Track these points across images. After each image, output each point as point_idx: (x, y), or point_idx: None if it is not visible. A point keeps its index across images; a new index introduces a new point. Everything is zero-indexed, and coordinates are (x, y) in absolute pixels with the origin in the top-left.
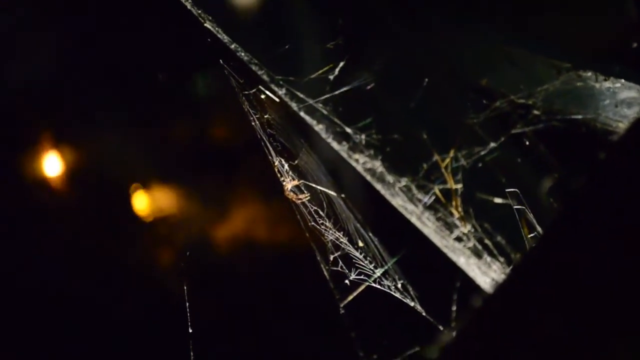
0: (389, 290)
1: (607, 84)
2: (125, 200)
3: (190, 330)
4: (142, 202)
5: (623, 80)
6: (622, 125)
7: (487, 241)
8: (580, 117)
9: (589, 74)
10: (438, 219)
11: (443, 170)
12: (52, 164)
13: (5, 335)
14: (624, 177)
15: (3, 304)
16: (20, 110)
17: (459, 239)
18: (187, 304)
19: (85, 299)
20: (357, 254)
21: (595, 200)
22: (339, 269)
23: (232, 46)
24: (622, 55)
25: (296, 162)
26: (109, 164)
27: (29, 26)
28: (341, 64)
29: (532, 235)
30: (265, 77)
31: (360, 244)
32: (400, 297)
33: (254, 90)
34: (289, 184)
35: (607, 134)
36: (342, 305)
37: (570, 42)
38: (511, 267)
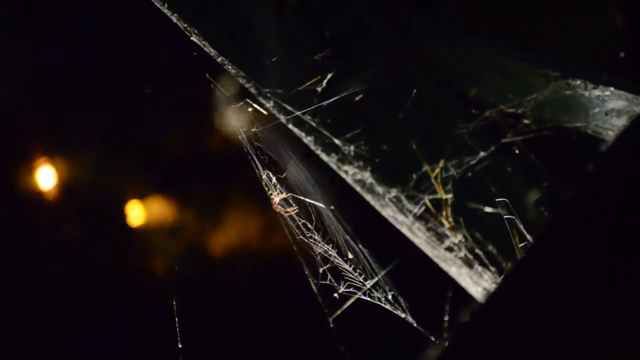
0: (379, 302)
1: (597, 93)
2: (118, 212)
3: (180, 345)
4: (133, 214)
5: (612, 89)
6: (612, 134)
7: (478, 251)
8: (569, 125)
9: (578, 82)
10: (428, 229)
11: (433, 180)
12: (45, 177)
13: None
14: (613, 186)
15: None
16: (12, 124)
17: (449, 249)
18: (177, 319)
19: (75, 310)
20: (347, 267)
21: (585, 209)
22: (328, 282)
23: (219, 59)
24: (610, 63)
25: (284, 174)
26: (101, 176)
27: (15, 40)
28: (329, 75)
29: (522, 244)
30: (252, 90)
31: (350, 256)
32: (390, 309)
33: (241, 103)
34: (277, 197)
35: (596, 142)
36: (331, 319)
37: (559, 51)
38: (502, 277)
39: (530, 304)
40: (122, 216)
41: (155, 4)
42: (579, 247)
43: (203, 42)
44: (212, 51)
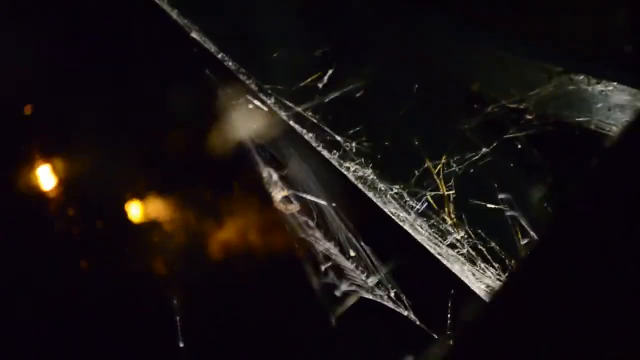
0: (381, 300)
1: (600, 88)
2: (118, 211)
3: (181, 345)
4: (133, 213)
5: (615, 84)
6: (616, 129)
7: (480, 247)
8: (573, 121)
9: (581, 77)
10: (431, 226)
11: (435, 176)
12: (47, 177)
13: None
14: (618, 182)
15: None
16: (16, 127)
17: (452, 246)
18: (177, 318)
19: (75, 309)
20: (349, 264)
21: (589, 205)
22: (330, 280)
23: (219, 55)
24: (614, 58)
25: (285, 172)
26: (102, 176)
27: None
28: (330, 71)
29: (525, 240)
30: (253, 87)
31: (352, 253)
32: (393, 307)
33: (241, 100)
34: (278, 194)
35: (600, 137)
36: (333, 317)
37: (562, 46)
38: (506, 274)
39: (535, 301)
40: (123, 216)
41: (156, 0)
42: (584, 243)
43: (203, 38)
44: (212, 48)
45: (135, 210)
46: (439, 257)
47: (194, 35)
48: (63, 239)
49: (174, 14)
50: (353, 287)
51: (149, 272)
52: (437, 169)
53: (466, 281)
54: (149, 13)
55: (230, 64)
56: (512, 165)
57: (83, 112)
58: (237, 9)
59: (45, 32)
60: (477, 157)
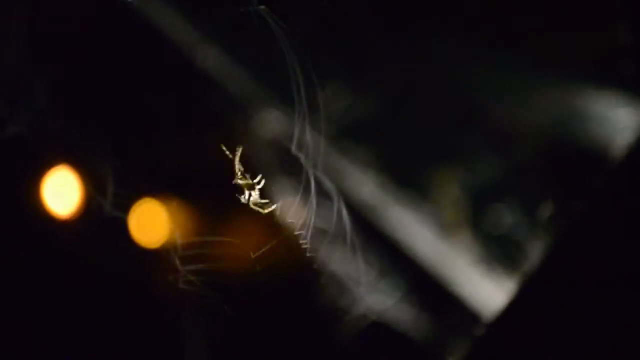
0: (392, 320)
1: (603, 106)
2: (121, 226)
3: None
4: (138, 228)
5: (619, 103)
6: (620, 148)
7: (488, 262)
8: (575, 139)
9: (586, 95)
10: (439, 240)
11: (442, 193)
12: (48, 190)
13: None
14: (622, 201)
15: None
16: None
17: (462, 265)
18: (188, 335)
19: (80, 329)
20: (360, 285)
21: (593, 223)
22: (340, 300)
23: (228, 77)
24: (619, 76)
25: (292, 190)
26: (106, 186)
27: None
28: (335, 88)
29: (532, 259)
30: (257, 103)
31: (363, 272)
32: (403, 327)
33: (247, 121)
34: (285, 211)
35: (605, 156)
36: (340, 335)
37: (566, 63)
38: (512, 292)
39: (540, 320)
40: (126, 231)
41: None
42: (589, 261)
43: (212, 59)
44: (221, 69)
45: (138, 226)
46: (446, 271)
47: (201, 55)
48: (67, 253)
49: (183, 34)
50: (364, 308)
51: (153, 289)
52: (443, 186)
53: (476, 301)
54: (159, 34)
55: (239, 85)
56: (516, 183)
57: (87, 130)
58: (245, 31)
59: (47, 47)
60: (481, 175)
